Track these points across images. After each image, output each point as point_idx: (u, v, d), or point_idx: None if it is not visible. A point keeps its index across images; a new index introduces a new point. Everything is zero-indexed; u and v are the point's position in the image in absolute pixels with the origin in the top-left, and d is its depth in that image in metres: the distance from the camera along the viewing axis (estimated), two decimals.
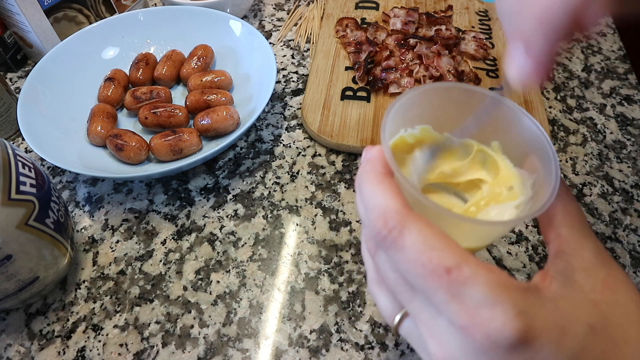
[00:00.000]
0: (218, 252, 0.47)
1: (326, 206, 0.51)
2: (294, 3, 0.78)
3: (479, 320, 0.20)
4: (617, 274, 0.23)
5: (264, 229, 0.49)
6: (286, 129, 0.59)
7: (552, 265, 0.23)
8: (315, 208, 0.51)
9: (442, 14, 0.69)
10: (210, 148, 0.50)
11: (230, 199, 0.52)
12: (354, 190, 0.52)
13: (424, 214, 0.22)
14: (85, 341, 0.42)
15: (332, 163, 0.55)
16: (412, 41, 0.64)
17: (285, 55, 0.69)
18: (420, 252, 0.21)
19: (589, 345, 0.20)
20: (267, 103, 0.52)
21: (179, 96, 0.61)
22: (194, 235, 0.49)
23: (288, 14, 0.76)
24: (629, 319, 0.22)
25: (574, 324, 0.21)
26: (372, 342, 0.41)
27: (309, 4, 0.77)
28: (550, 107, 0.61)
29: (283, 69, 0.66)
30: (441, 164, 0.29)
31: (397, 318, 0.25)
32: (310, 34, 0.72)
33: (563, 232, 0.24)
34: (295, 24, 0.74)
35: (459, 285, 0.20)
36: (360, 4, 0.74)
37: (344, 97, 0.59)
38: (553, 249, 0.24)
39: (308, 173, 0.54)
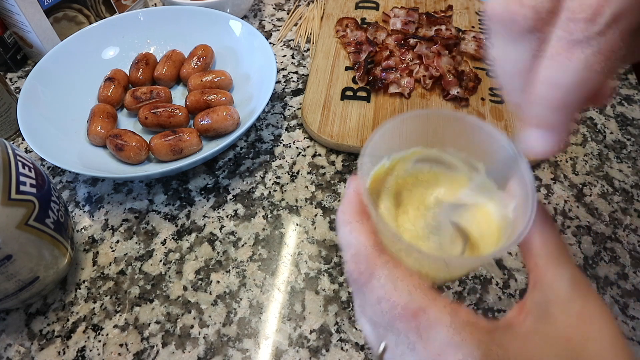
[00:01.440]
0: (218, 252, 0.47)
1: (326, 206, 0.51)
2: (294, 3, 0.78)
3: None
4: (593, 307, 0.23)
5: (264, 229, 0.49)
6: (286, 129, 0.59)
7: (529, 297, 0.24)
8: (315, 208, 0.51)
9: (442, 14, 0.69)
10: (210, 148, 0.50)
11: (230, 199, 0.52)
12: None
13: (398, 247, 0.24)
14: (85, 341, 0.42)
15: (332, 163, 0.55)
16: (412, 41, 0.64)
17: (285, 55, 0.69)
18: (390, 294, 0.22)
19: None
20: (267, 103, 0.52)
21: (179, 96, 0.61)
22: (194, 235, 0.49)
23: (288, 14, 0.76)
24: (601, 354, 0.22)
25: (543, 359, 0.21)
26: None
27: (309, 4, 0.77)
28: None
29: (283, 69, 0.66)
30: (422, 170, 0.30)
31: (381, 347, 0.25)
32: (310, 34, 0.72)
33: (540, 262, 0.24)
34: (295, 24, 0.74)
35: (426, 328, 0.21)
36: (360, 4, 0.74)
37: (344, 97, 0.59)
38: (532, 279, 0.24)
39: (308, 173, 0.54)
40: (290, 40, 0.71)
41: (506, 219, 0.26)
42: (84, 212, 0.51)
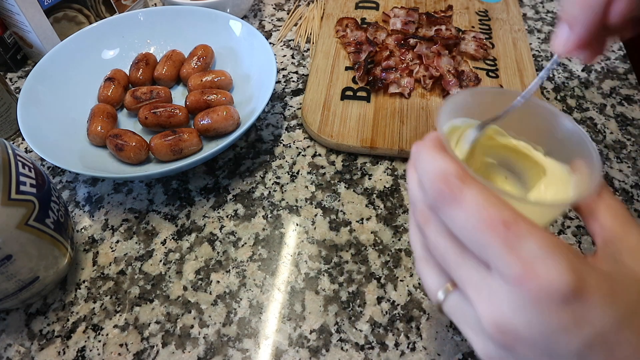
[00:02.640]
0: (218, 252, 0.47)
1: (326, 206, 0.51)
2: (294, 3, 0.78)
3: (534, 271, 0.20)
4: None
5: (264, 229, 0.49)
6: (286, 129, 0.59)
7: (600, 251, 0.24)
8: (315, 208, 0.51)
9: (442, 14, 0.69)
10: (210, 148, 0.50)
11: (230, 199, 0.52)
12: (354, 190, 0.52)
13: None
14: (85, 341, 0.42)
15: (332, 163, 0.55)
16: (412, 41, 0.64)
17: (285, 55, 0.69)
18: (480, 206, 0.21)
19: (636, 317, 0.20)
20: (267, 103, 0.52)
21: (179, 96, 0.61)
22: (194, 235, 0.49)
23: (288, 14, 0.76)
24: None
25: (625, 289, 0.21)
26: (372, 342, 0.41)
27: (309, 4, 0.77)
28: None
29: (283, 69, 0.66)
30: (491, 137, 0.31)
31: (442, 295, 0.25)
32: (310, 34, 0.72)
33: (607, 223, 0.24)
34: (295, 24, 0.74)
35: (516, 238, 0.20)
36: (360, 4, 0.74)
37: (344, 97, 0.59)
38: (599, 239, 0.25)
39: (308, 173, 0.54)
40: (290, 40, 0.71)
41: (571, 184, 0.28)
42: (84, 212, 0.51)
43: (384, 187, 0.52)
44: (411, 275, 0.45)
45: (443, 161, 0.23)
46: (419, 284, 0.45)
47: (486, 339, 0.22)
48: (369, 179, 0.53)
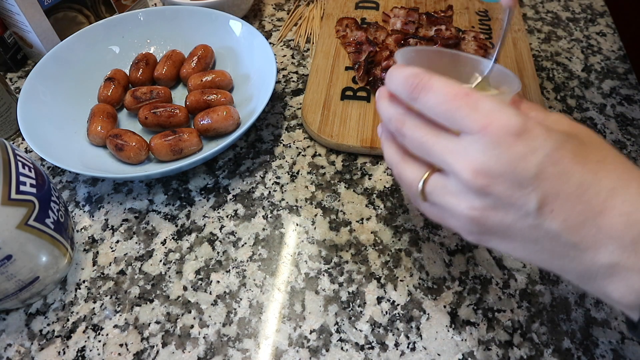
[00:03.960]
0: (218, 252, 0.47)
1: (326, 206, 0.51)
2: (294, 3, 0.78)
3: (492, 119, 0.26)
4: (581, 125, 0.30)
5: (264, 229, 0.49)
6: (286, 129, 0.59)
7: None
8: (315, 208, 0.51)
9: (442, 14, 0.69)
10: (210, 148, 0.50)
11: (230, 199, 0.52)
12: (354, 191, 0.52)
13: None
14: (85, 341, 0.42)
15: (332, 163, 0.55)
16: (412, 41, 0.64)
17: (285, 55, 0.69)
18: (446, 86, 0.28)
19: (570, 139, 0.28)
20: (267, 103, 0.52)
21: (179, 96, 0.61)
22: (194, 235, 0.49)
23: (288, 14, 0.76)
24: (597, 139, 0.30)
25: (554, 129, 0.28)
26: (372, 342, 0.41)
27: (309, 4, 0.77)
28: (550, 107, 0.61)
29: (283, 69, 0.66)
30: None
31: (421, 183, 0.31)
32: (310, 34, 0.72)
33: (532, 114, 0.32)
34: (295, 24, 0.74)
35: (475, 101, 0.27)
36: (360, 4, 0.74)
37: (344, 97, 0.59)
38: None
39: (308, 173, 0.54)
40: (290, 40, 0.71)
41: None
42: (84, 212, 0.51)
43: (384, 187, 0.52)
44: (411, 275, 0.45)
45: (410, 68, 0.30)
46: (419, 283, 0.45)
47: (467, 194, 0.28)
48: (369, 179, 0.53)
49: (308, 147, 0.57)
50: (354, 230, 0.49)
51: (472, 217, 0.28)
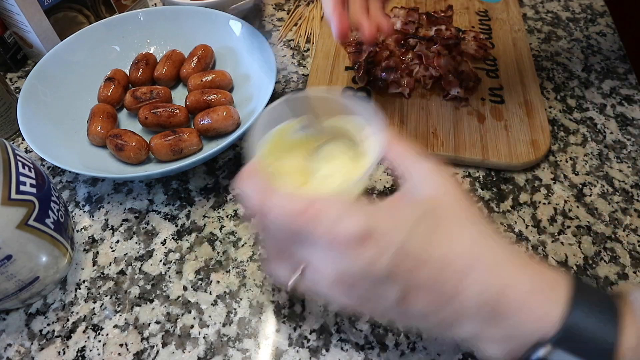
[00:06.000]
0: (218, 252, 0.47)
1: None
2: (294, 3, 0.78)
3: (336, 232, 0.26)
4: (449, 178, 0.30)
5: None
6: None
7: (402, 186, 0.31)
8: None
9: (442, 14, 0.69)
10: (210, 148, 0.50)
11: (230, 199, 0.52)
12: None
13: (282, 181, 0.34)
14: (85, 341, 0.42)
15: None
16: (412, 41, 0.64)
17: (285, 55, 0.69)
18: (287, 204, 0.28)
19: (421, 221, 0.28)
20: (267, 103, 0.52)
21: (179, 96, 0.61)
22: (194, 235, 0.49)
23: (288, 14, 0.76)
24: (456, 203, 0.29)
25: (408, 212, 0.28)
26: (372, 342, 0.41)
27: (309, 4, 0.77)
28: (550, 107, 0.61)
29: (283, 69, 0.66)
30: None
31: (292, 281, 0.31)
32: (310, 34, 0.72)
33: (400, 165, 0.32)
34: (295, 24, 0.74)
35: (317, 214, 0.27)
36: None
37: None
38: (401, 178, 0.31)
39: None
40: (290, 41, 0.71)
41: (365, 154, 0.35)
42: (84, 212, 0.51)
43: (384, 187, 0.52)
44: None
45: (254, 179, 0.30)
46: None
47: (336, 290, 0.29)
48: (369, 178, 0.53)
49: None
50: None
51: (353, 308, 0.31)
